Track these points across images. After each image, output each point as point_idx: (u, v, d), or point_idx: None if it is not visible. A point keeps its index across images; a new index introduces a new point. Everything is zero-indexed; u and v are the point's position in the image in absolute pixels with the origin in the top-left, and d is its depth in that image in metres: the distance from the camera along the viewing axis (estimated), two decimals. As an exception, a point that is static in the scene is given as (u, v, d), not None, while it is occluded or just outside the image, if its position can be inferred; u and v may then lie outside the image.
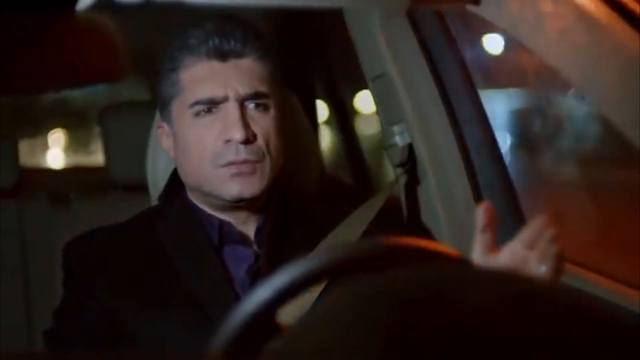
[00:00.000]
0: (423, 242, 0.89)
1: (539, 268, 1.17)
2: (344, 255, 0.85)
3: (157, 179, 1.69)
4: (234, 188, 1.47)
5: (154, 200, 1.67)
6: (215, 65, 1.48)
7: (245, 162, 1.46)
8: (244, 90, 1.47)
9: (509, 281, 0.67)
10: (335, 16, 1.94)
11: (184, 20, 1.52)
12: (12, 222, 2.14)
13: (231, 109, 1.46)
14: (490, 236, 1.18)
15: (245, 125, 1.46)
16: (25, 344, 2.02)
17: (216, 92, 1.47)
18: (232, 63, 1.48)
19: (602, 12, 1.22)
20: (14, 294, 2.06)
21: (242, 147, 1.45)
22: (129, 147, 2.02)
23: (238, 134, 1.45)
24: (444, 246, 0.92)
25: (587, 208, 1.98)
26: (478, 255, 1.19)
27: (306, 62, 2.65)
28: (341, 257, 0.85)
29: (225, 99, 1.47)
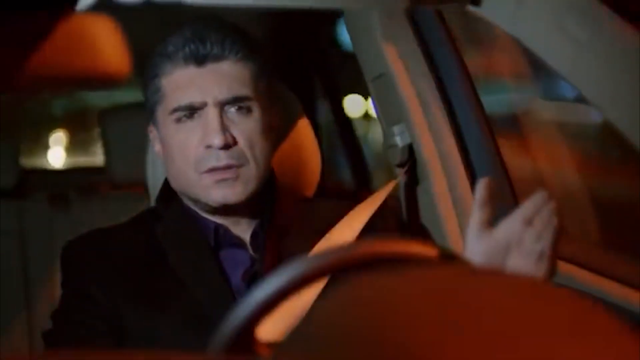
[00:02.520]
0: (402, 243, 0.89)
1: (535, 246, 1.17)
2: (338, 256, 0.85)
3: (157, 180, 1.69)
4: (218, 194, 1.46)
5: (154, 201, 1.67)
6: (193, 71, 1.46)
7: (227, 167, 1.45)
8: (222, 95, 1.46)
9: (500, 278, 0.67)
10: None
11: (183, 19, 1.51)
12: (12, 222, 2.14)
13: (210, 115, 1.45)
14: (487, 212, 1.18)
15: (224, 130, 1.45)
16: (25, 344, 2.02)
17: (194, 98, 1.46)
18: (210, 67, 1.46)
19: (602, 11, 1.22)
20: (14, 294, 2.07)
21: (222, 152, 1.44)
22: (129, 148, 2.02)
23: (216, 140, 1.44)
24: (425, 246, 0.91)
25: (587, 208, 1.97)
26: (473, 231, 1.19)
27: (306, 62, 2.65)
28: (335, 257, 0.85)
29: (204, 105, 1.46)
